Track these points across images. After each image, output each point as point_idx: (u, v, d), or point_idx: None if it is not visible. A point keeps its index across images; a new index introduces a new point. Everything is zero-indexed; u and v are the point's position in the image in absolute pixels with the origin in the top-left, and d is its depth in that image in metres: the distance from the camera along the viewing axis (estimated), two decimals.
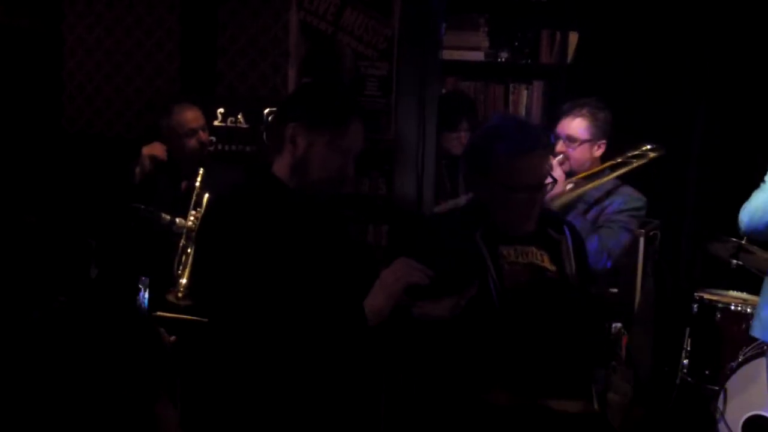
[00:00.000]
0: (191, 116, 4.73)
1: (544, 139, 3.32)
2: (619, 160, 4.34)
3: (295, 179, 3.04)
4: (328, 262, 3.02)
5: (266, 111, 4.96)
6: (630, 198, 4.37)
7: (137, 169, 4.63)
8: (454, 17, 6.16)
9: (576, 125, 4.34)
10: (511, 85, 6.12)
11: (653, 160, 4.32)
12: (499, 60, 6.19)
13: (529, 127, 3.39)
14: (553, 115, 6.12)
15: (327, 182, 3.03)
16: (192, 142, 4.69)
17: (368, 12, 4.12)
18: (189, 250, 4.21)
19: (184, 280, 4.08)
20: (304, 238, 2.97)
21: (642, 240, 5.64)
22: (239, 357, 2.92)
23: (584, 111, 4.44)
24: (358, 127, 3.06)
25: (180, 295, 4.01)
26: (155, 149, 4.69)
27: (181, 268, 4.19)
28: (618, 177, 4.40)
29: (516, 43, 6.18)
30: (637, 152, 4.39)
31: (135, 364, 1.79)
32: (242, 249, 2.83)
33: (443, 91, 5.55)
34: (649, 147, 4.36)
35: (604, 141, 4.41)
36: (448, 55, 6.08)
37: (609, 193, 4.34)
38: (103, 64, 5.68)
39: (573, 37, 6.11)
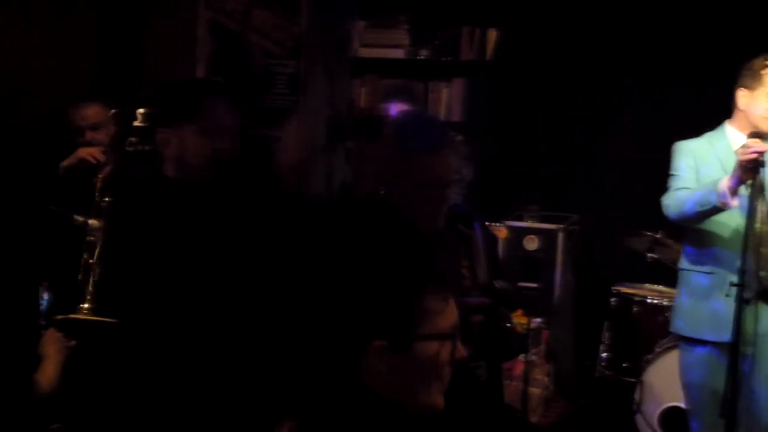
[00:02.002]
0: (77, 114, 4.67)
1: (451, 135, 3.33)
2: None
3: (181, 174, 3.16)
4: (225, 254, 3.07)
5: None
6: None
7: (64, 163, 4.56)
8: (374, 15, 6.18)
9: None
10: (431, 83, 6.16)
11: None
12: (420, 57, 6.23)
13: (437, 123, 3.40)
14: (475, 111, 6.21)
15: (206, 164, 3.13)
16: (80, 140, 4.63)
17: (276, 10, 4.11)
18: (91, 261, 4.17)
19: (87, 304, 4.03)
20: (198, 233, 3.04)
21: (561, 235, 5.70)
22: (145, 357, 2.96)
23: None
24: (217, 104, 3.17)
25: (86, 310, 3.97)
26: (89, 152, 4.59)
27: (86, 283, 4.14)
28: None
29: (436, 41, 6.22)
30: None
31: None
32: (140, 251, 2.93)
33: None
34: None
35: None
36: (368, 52, 6.11)
37: None
38: (20, 64, 5.60)
39: (492, 34, 6.17)
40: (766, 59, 4.01)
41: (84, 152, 4.60)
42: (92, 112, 4.68)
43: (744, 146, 3.83)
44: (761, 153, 3.76)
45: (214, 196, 3.19)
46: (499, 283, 3.17)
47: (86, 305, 3.88)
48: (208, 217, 3.12)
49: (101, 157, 4.53)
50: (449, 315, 2.02)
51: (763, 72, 4.00)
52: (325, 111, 3.94)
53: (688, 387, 4.22)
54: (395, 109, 4.29)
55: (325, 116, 3.95)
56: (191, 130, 3.10)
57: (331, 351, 2.01)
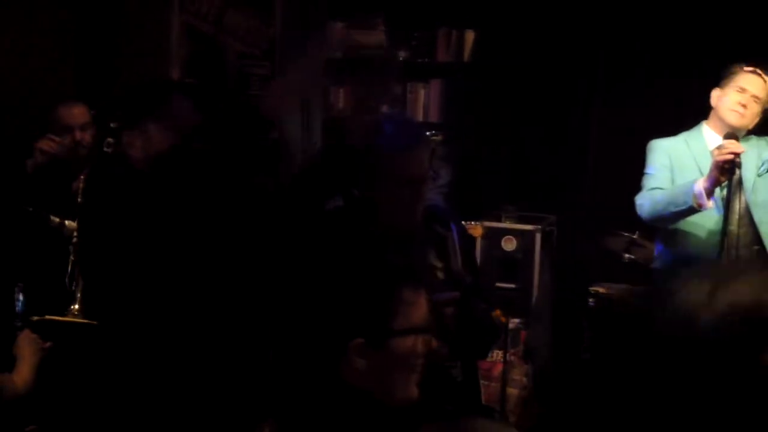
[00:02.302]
0: (67, 113, 4.67)
1: (424, 135, 3.34)
2: None
3: (149, 167, 3.22)
4: (200, 253, 3.08)
5: None
6: None
7: (29, 161, 4.56)
8: (351, 16, 6.18)
9: None
10: (408, 84, 6.17)
11: None
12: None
13: (411, 123, 3.41)
14: (452, 112, 6.22)
15: (168, 157, 3.16)
16: (67, 140, 4.62)
17: (250, 13, 4.11)
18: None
19: (77, 305, 4.02)
20: (172, 232, 3.04)
21: (539, 235, 5.71)
22: (124, 357, 2.96)
23: None
24: (179, 102, 3.29)
25: (76, 312, 3.96)
26: (44, 142, 4.61)
27: (74, 283, 4.12)
28: None
29: (413, 43, 6.22)
30: None
31: None
32: (117, 250, 2.89)
33: None
34: None
35: None
36: (345, 54, 6.10)
37: None
38: None
39: (469, 36, 6.18)
40: (742, 64, 4.06)
41: (40, 144, 4.58)
42: (79, 111, 4.71)
43: (720, 147, 3.85)
44: (737, 154, 3.78)
45: (186, 192, 3.20)
46: (466, 277, 3.18)
47: (76, 306, 3.90)
48: (182, 215, 3.13)
49: (56, 147, 4.54)
50: (421, 308, 2.05)
51: (736, 71, 4.04)
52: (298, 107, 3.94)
53: None
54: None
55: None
56: (156, 128, 3.18)
57: (311, 351, 2.01)
